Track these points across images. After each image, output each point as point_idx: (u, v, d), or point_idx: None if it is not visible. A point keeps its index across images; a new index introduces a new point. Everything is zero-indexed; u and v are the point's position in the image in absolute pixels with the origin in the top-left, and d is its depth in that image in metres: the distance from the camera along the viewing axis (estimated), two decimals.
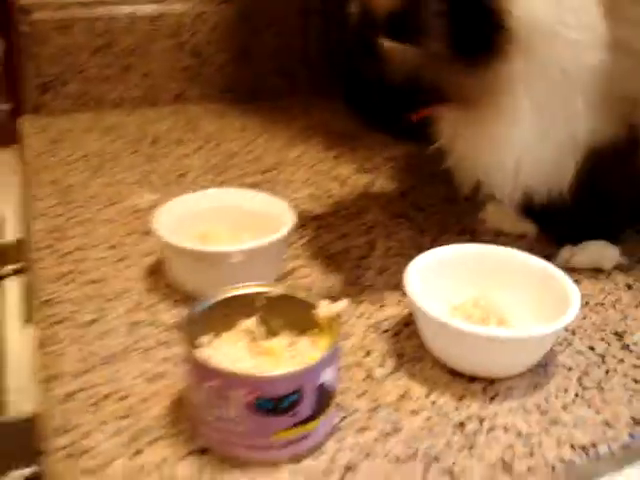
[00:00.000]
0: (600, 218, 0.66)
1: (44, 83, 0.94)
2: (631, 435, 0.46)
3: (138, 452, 0.42)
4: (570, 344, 0.54)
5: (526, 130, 0.55)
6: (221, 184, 0.77)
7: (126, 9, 0.95)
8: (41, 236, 0.66)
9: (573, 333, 0.55)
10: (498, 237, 0.69)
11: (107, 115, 0.95)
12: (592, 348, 0.54)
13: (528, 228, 0.69)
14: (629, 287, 0.62)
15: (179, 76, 0.99)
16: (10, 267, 0.85)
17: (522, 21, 0.51)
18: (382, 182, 0.79)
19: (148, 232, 0.66)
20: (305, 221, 0.69)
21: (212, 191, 0.62)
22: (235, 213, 0.60)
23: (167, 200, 0.61)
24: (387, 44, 0.55)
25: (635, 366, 0.52)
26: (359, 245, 0.66)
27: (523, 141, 0.57)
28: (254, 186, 0.76)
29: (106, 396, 0.47)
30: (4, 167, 1.13)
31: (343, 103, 0.92)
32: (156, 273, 0.60)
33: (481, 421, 0.46)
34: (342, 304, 0.45)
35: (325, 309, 0.44)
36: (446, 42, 0.53)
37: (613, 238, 0.65)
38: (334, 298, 0.48)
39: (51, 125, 0.92)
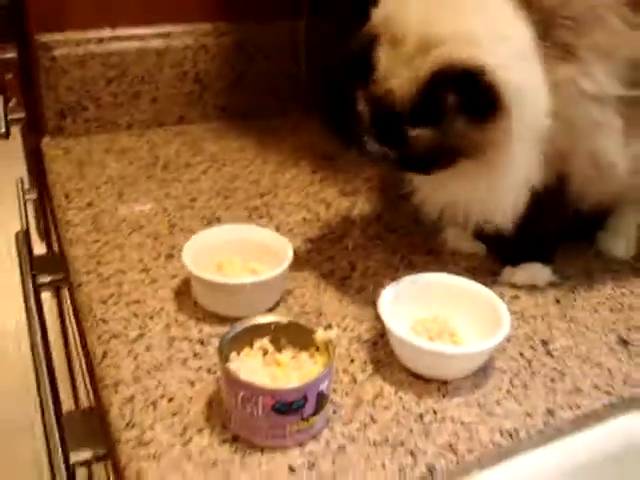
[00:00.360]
0: (536, 243, 0.81)
1: (63, 110, 1.06)
2: (545, 423, 0.62)
3: (188, 441, 0.58)
4: (505, 351, 0.70)
5: (507, 177, 0.67)
6: (227, 208, 0.91)
7: (136, 44, 1.07)
8: (84, 261, 0.80)
9: (508, 341, 0.71)
10: (454, 256, 0.84)
11: (121, 136, 1.09)
12: (522, 354, 0.70)
13: (479, 248, 0.84)
14: (558, 301, 0.77)
15: (182, 100, 1.13)
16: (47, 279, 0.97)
17: (512, 87, 0.61)
18: (361, 205, 0.93)
19: (170, 255, 0.81)
20: (299, 244, 0.84)
21: (227, 227, 0.77)
22: (246, 245, 0.75)
23: (183, 227, 0.76)
24: (412, 132, 0.63)
25: (554, 369, 0.68)
26: (342, 267, 0.81)
27: (502, 186, 0.69)
28: (255, 210, 0.91)
29: (159, 397, 0.62)
30: None
31: (323, 123, 1.08)
32: (183, 294, 0.75)
33: (435, 413, 0.62)
34: (333, 332, 0.60)
35: (322, 335, 0.60)
36: (461, 115, 0.62)
37: (546, 260, 0.80)
38: (327, 320, 0.64)
39: (72, 147, 1.05)
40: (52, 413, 0.74)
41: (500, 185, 0.68)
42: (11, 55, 1.26)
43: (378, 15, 0.67)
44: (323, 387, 0.57)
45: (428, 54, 0.61)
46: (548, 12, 0.66)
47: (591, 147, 0.69)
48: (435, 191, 0.74)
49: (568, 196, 0.73)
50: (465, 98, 0.61)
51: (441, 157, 0.65)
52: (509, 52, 0.63)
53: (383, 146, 0.64)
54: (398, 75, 0.62)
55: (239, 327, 0.60)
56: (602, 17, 0.67)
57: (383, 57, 0.63)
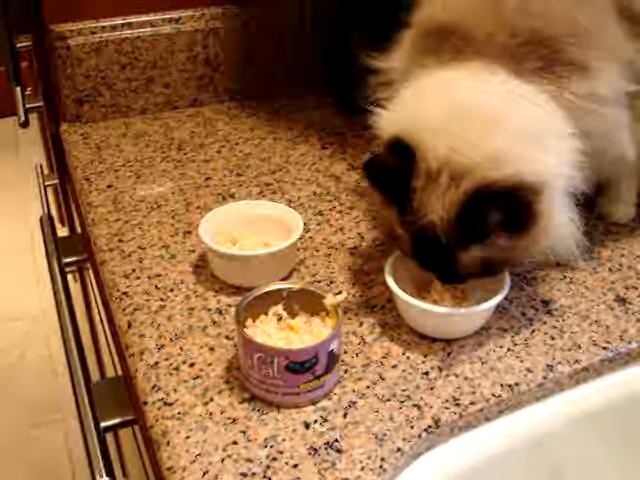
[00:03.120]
0: None
1: (80, 97, 1.10)
2: (544, 377, 0.66)
3: (209, 401, 0.63)
4: (507, 311, 0.74)
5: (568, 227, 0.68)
6: (241, 185, 0.95)
7: (148, 30, 1.11)
8: (106, 240, 0.84)
9: (511, 302, 0.75)
10: None
11: (136, 120, 1.13)
12: (524, 314, 0.74)
13: None
14: (558, 264, 0.80)
15: (194, 83, 1.16)
16: (71, 259, 1.02)
17: (549, 190, 0.63)
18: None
19: (187, 232, 0.85)
20: (310, 217, 0.88)
21: (241, 202, 0.81)
22: (259, 220, 0.79)
23: (199, 204, 0.80)
24: (459, 256, 0.63)
25: (553, 327, 0.72)
26: (352, 237, 0.85)
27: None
28: (267, 186, 0.95)
29: (182, 363, 0.67)
30: None
31: (335, 102, 1.11)
32: (201, 267, 0.79)
33: (440, 370, 0.66)
34: (342, 296, 0.64)
35: (331, 299, 0.64)
36: (502, 234, 0.62)
37: None
38: (338, 287, 0.68)
39: (90, 132, 1.09)
40: (82, 384, 0.78)
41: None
42: (25, 44, 1.30)
43: (399, 125, 0.67)
44: (333, 347, 0.61)
45: (462, 181, 0.61)
46: (554, 40, 0.67)
47: (618, 149, 0.71)
48: None
49: None
50: (505, 216, 0.61)
51: (492, 268, 0.67)
52: (540, 157, 0.63)
53: (428, 269, 0.67)
54: (435, 207, 0.62)
55: (254, 294, 0.65)
56: (603, 24, 0.69)
57: (418, 189, 0.63)
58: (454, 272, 0.65)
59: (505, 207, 0.60)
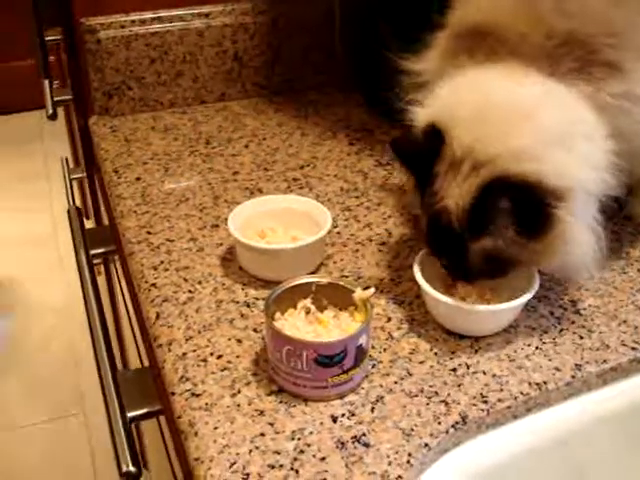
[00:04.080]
0: None
1: (109, 90, 1.11)
2: (572, 376, 0.66)
3: (237, 393, 0.63)
4: (536, 310, 0.73)
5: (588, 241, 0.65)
6: (268, 180, 0.96)
7: (178, 25, 1.11)
8: (135, 232, 0.85)
9: (539, 301, 0.74)
10: None
11: (164, 114, 1.14)
12: (552, 313, 0.73)
13: None
14: None
15: (223, 78, 1.16)
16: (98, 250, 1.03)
17: (572, 192, 0.61)
18: (397, 174, 0.97)
19: (215, 225, 0.86)
20: (338, 212, 0.88)
21: (270, 197, 0.82)
22: (287, 214, 0.79)
23: (227, 198, 0.82)
24: (470, 246, 0.64)
25: (582, 326, 0.71)
26: (380, 233, 0.85)
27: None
28: (295, 181, 0.95)
29: (209, 355, 0.67)
30: None
31: (363, 99, 1.11)
32: (229, 260, 0.80)
33: (468, 367, 0.66)
34: (371, 290, 0.65)
35: (360, 294, 0.64)
36: (513, 229, 0.62)
37: None
38: (365, 283, 0.68)
39: (118, 125, 1.10)
40: (109, 374, 0.79)
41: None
42: (54, 38, 1.31)
43: (435, 113, 0.67)
44: (362, 341, 0.61)
45: (481, 170, 0.62)
46: (589, 41, 0.67)
47: None
48: None
49: None
50: (518, 210, 0.61)
51: (501, 266, 0.66)
52: (567, 160, 0.62)
53: (442, 258, 0.68)
54: (452, 193, 0.64)
55: (282, 287, 0.65)
56: (638, 25, 0.69)
57: (441, 174, 0.65)
58: (463, 264, 0.65)
59: (517, 201, 0.60)
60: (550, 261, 0.66)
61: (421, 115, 0.69)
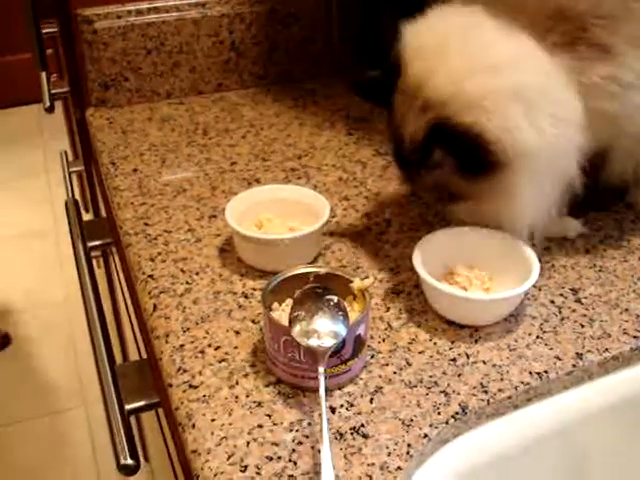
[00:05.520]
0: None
1: (106, 81, 1.10)
2: (573, 365, 0.66)
3: (235, 384, 0.62)
4: (536, 299, 0.73)
5: (533, 203, 0.68)
6: (266, 170, 0.95)
7: (174, 15, 1.10)
8: (132, 223, 0.84)
9: (539, 290, 0.74)
10: None
11: (161, 105, 1.13)
12: (552, 301, 0.73)
13: None
14: (587, 251, 0.80)
15: (220, 68, 1.16)
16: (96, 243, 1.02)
17: (512, 147, 0.63)
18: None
19: (213, 216, 0.85)
20: (336, 202, 0.88)
21: (267, 187, 0.81)
22: (285, 204, 0.79)
23: (224, 189, 0.82)
24: (420, 172, 0.70)
25: (583, 315, 0.71)
26: (378, 223, 0.84)
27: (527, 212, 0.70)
28: (293, 171, 0.94)
29: (207, 346, 0.66)
30: None
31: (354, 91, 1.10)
32: (227, 251, 0.79)
33: (467, 357, 0.66)
34: (370, 280, 0.64)
35: (358, 283, 0.64)
36: (454, 169, 0.66)
37: (577, 216, 0.82)
38: (364, 273, 0.68)
39: (115, 117, 1.09)
40: (107, 367, 0.78)
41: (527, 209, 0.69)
42: (50, 30, 1.31)
43: (407, 44, 0.69)
44: (360, 331, 0.60)
45: (428, 112, 0.65)
46: (579, 18, 0.67)
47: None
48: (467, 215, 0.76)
49: (602, 172, 0.75)
50: (454, 154, 0.65)
51: (450, 195, 0.71)
52: (516, 112, 0.63)
53: (403, 171, 0.74)
54: (408, 124, 0.68)
55: (280, 277, 0.64)
56: (634, 9, 0.68)
57: (399, 103, 0.69)
58: (419, 185, 0.72)
59: (454, 148, 0.65)
60: (491, 205, 0.69)
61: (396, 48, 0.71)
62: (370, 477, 0.54)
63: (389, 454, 0.56)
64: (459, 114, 0.63)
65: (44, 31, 1.31)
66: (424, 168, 0.69)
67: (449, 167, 0.67)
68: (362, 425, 0.58)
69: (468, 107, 0.63)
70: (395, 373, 0.63)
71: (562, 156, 0.67)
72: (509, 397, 0.62)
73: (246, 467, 0.55)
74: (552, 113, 0.64)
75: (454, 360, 0.64)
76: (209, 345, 0.66)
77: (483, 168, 0.65)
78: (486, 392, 0.61)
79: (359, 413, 0.59)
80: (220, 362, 0.64)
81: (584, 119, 0.66)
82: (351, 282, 0.64)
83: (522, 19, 0.67)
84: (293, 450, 0.56)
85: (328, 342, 0.58)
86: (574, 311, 0.71)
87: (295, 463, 0.55)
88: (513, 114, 0.62)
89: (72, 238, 1.01)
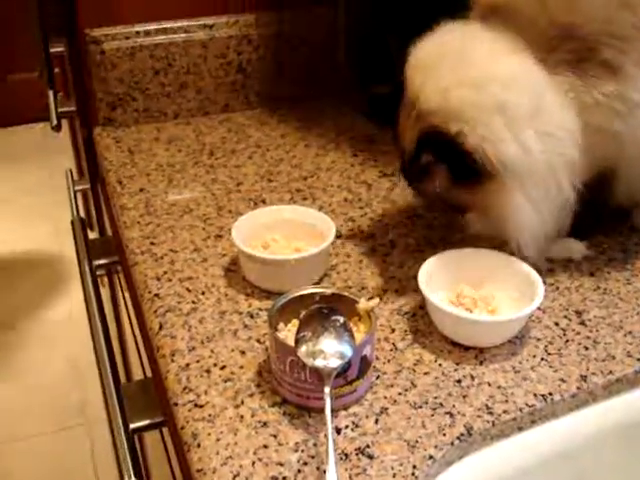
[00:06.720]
0: (574, 226, 0.82)
1: (113, 101, 1.11)
2: (578, 387, 0.66)
3: (240, 404, 0.62)
4: (540, 321, 0.73)
5: (528, 218, 0.70)
6: (272, 191, 0.96)
7: (182, 36, 1.12)
8: (138, 242, 0.85)
9: (544, 312, 0.74)
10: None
11: (168, 125, 1.14)
12: (557, 323, 0.73)
13: None
14: (592, 274, 0.80)
15: (227, 89, 1.17)
16: (101, 261, 1.03)
17: (495, 157, 0.65)
18: (401, 185, 0.97)
19: (219, 236, 0.85)
20: (341, 223, 0.88)
21: (273, 207, 0.82)
22: (290, 225, 0.79)
23: (230, 209, 0.83)
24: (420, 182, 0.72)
25: (587, 337, 0.71)
26: (383, 244, 0.85)
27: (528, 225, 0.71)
28: (299, 192, 0.95)
29: (213, 365, 0.67)
30: None
31: (364, 110, 1.11)
32: (232, 271, 0.79)
33: (472, 378, 0.66)
34: (375, 301, 0.64)
35: (364, 304, 0.64)
36: (448, 178, 0.70)
37: (583, 238, 0.82)
38: (369, 294, 0.68)
39: (122, 136, 1.10)
40: (112, 385, 0.78)
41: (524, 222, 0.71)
42: (57, 50, 1.32)
43: (410, 60, 0.72)
44: (366, 352, 0.60)
45: (420, 122, 0.68)
46: (588, 37, 0.68)
47: None
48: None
49: (610, 192, 0.76)
50: (443, 159, 0.68)
51: (450, 205, 0.74)
52: (498, 125, 0.65)
53: (407, 183, 0.76)
54: (406, 135, 0.71)
55: (286, 298, 0.64)
56: None
57: (401, 116, 0.72)
58: (421, 194, 0.75)
59: (441, 156, 0.67)
60: (491, 217, 0.72)
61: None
62: None
63: (394, 475, 0.56)
64: (445, 123, 0.65)
65: (51, 50, 1.31)
66: (417, 174, 0.71)
67: (443, 176, 0.69)
68: (367, 446, 0.58)
69: (453, 117, 0.65)
70: (400, 394, 0.63)
71: (552, 172, 0.68)
72: (514, 419, 0.62)
73: None
74: (539, 129, 0.66)
75: (459, 381, 0.65)
76: (215, 364, 0.66)
77: (472, 177, 0.67)
78: (491, 414, 0.62)
79: (364, 434, 0.59)
80: (226, 382, 0.64)
81: (585, 137, 0.68)
82: (357, 303, 0.64)
83: (530, 36, 0.69)
84: (299, 470, 0.56)
85: (334, 363, 0.58)
86: (578, 333, 0.71)
87: None
88: (495, 126, 0.65)
89: (78, 257, 1.01)
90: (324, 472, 0.56)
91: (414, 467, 0.57)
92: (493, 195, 0.68)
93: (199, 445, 0.58)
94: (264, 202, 0.92)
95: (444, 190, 0.70)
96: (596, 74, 0.68)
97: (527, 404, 0.63)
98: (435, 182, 0.70)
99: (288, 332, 0.64)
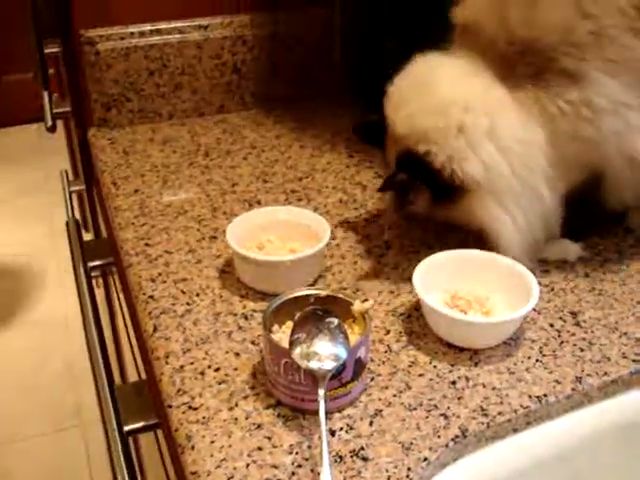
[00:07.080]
0: (568, 227, 0.82)
1: (108, 102, 1.11)
2: (573, 389, 0.66)
3: (234, 406, 0.62)
4: (535, 322, 0.73)
5: (508, 229, 0.73)
6: (267, 192, 0.95)
7: (177, 37, 1.11)
8: (133, 244, 0.84)
9: (539, 313, 0.74)
10: None
11: (163, 126, 1.14)
12: (552, 325, 0.73)
13: None
14: (587, 275, 0.80)
15: (222, 90, 1.16)
16: (96, 263, 1.03)
17: (462, 173, 0.70)
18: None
19: (214, 237, 0.85)
20: (336, 224, 0.88)
21: (268, 208, 0.81)
22: (285, 226, 0.79)
23: (225, 210, 0.83)
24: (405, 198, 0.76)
25: (582, 339, 0.71)
26: (378, 245, 0.85)
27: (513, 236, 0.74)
28: (294, 192, 0.95)
29: (207, 367, 0.66)
30: None
31: (363, 110, 1.11)
32: (227, 272, 0.79)
33: (467, 380, 0.66)
34: (370, 303, 0.64)
35: (359, 306, 0.64)
36: (429, 199, 0.74)
37: (578, 240, 0.82)
38: (364, 295, 0.68)
39: (117, 137, 1.10)
40: (106, 387, 0.78)
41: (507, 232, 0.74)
42: (52, 50, 1.31)
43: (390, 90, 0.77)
44: (361, 354, 0.60)
45: (396, 145, 0.74)
46: (547, 49, 0.69)
47: (626, 151, 0.72)
48: None
49: (602, 195, 0.76)
50: (421, 181, 0.72)
51: (435, 221, 0.78)
52: (460, 145, 0.70)
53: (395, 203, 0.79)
54: (389, 158, 0.77)
55: (281, 299, 0.64)
56: (613, 36, 0.69)
57: (387, 142, 0.77)
58: (405, 213, 0.77)
59: (416, 171, 0.72)
60: (473, 229, 0.75)
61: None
62: None
63: (389, 477, 0.56)
64: (415, 145, 0.71)
65: (46, 51, 1.31)
66: (396, 193, 0.76)
67: (423, 197, 0.74)
68: (362, 448, 0.58)
69: (422, 139, 0.70)
70: (395, 396, 0.63)
71: (523, 182, 0.71)
72: (509, 420, 0.62)
73: None
74: (499, 145, 0.69)
75: (454, 383, 0.64)
76: (209, 366, 0.66)
77: (449, 194, 0.72)
78: (486, 415, 0.61)
79: (359, 436, 0.59)
80: (220, 384, 0.64)
81: (560, 146, 0.71)
82: (351, 304, 0.64)
83: (491, 55, 0.72)
84: (293, 473, 0.56)
85: (329, 365, 0.58)
86: (573, 335, 0.71)
87: None
88: (458, 146, 0.69)
89: (73, 258, 1.01)
90: (318, 474, 0.56)
91: (409, 469, 0.57)
92: (471, 209, 0.72)
93: (193, 447, 0.58)
94: (259, 203, 0.91)
95: (426, 209, 0.75)
96: (558, 83, 0.70)
97: (522, 405, 0.62)
98: (415, 202, 0.74)
99: (282, 334, 0.64)
